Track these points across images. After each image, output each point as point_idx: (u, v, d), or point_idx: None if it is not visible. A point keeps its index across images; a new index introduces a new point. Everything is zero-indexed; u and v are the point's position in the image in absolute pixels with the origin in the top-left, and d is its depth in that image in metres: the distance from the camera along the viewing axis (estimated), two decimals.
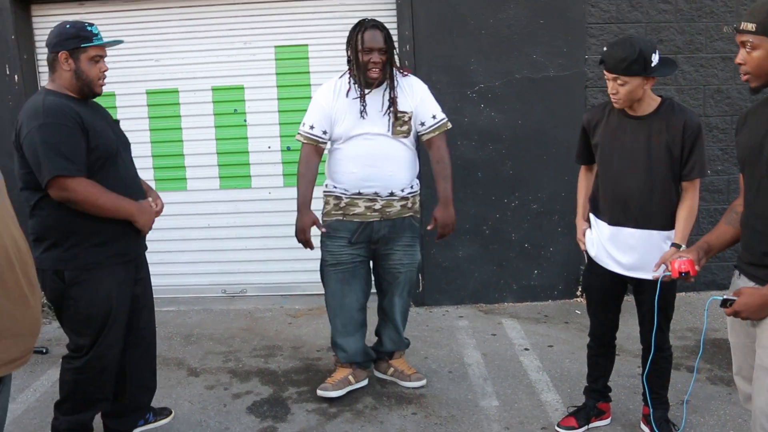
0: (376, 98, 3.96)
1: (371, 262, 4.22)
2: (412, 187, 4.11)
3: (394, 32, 5.61)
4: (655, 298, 3.14)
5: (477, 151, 5.64)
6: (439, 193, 4.11)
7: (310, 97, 4.42)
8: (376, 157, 3.95)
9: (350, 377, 4.26)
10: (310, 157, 4.06)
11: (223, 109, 6.00)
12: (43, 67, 5.97)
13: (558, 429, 3.72)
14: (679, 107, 3.28)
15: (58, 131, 3.13)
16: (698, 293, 5.72)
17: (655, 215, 3.27)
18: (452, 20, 5.53)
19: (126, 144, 3.55)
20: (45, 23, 5.92)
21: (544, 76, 5.57)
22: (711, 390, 4.14)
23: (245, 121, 5.99)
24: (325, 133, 4.03)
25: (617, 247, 3.37)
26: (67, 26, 3.27)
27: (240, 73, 5.94)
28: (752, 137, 2.55)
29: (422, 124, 4.05)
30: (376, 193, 3.99)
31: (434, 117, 4.06)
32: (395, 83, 3.98)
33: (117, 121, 3.62)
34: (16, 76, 5.73)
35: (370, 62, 3.87)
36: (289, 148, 5.89)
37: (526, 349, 4.82)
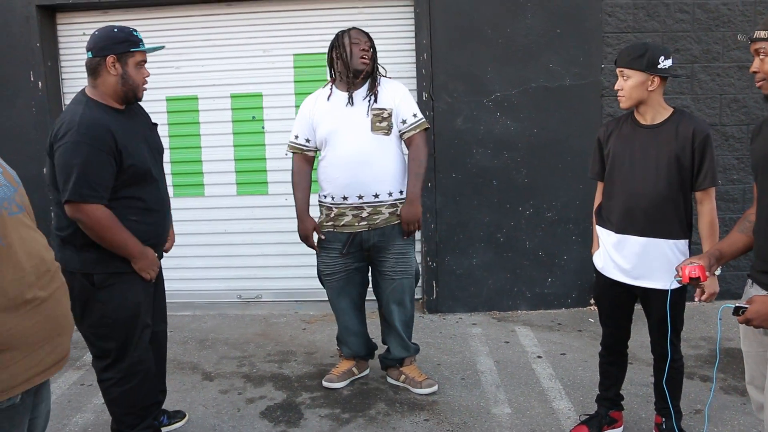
0: (358, 96, 4.06)
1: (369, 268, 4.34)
2: (401, 193, 4.14)
3: (411, 41, 5.72)
4: (667, 308, 3.15)
5: (492, 159, 5.67)
6: (407, 189, 4.12)
7: None
8: (358, 158, 4.01)
9: (354, 369, 4.53)
10: (300, 166, 4.24)
11: (242, 116, 6.06)
12: (66, 74, 6.08)
13: None
14: (689, 116, 3.30)
15: (90, 154, 3.10)
16: (712, 302, 5.67)
17: (662, 223, 3.27)
18: (469, 29, 5.57)
19: (160, 151, 3.58)
20: (69, 31, 6.03)
21: (561, 85, 5.59)
22: (725, 399, 4.13)
23: (263, 128, 6.05)
24: (308, 141, 4.19)
25: (622, 255, 3.37)
26: (115, 30, 3.25)
27: (259, 80, 6.00)
28: (766, 146, 2.57)
29: (404, 122, 4.10)
30: (361, 198, 4.04)
31: (415, 116, 4.11)
32: (377, 81, 4.09)
33: (155, 125, 3.62)
34: (39, 83, 5.82)
35: (360, 50, 3.99)
36: None
37: (539, 357, 4.83)
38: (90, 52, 3.25)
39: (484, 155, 5.67)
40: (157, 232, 3.48)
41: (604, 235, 3.48)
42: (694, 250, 3.22)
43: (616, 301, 3.52)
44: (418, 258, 5.82)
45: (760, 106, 5.63)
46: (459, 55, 5.57)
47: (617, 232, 3.38)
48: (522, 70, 5.59)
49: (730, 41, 5.57)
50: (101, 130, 3.15)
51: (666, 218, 3.27)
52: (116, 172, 3.20)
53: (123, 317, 3.33)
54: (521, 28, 5.56)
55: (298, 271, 6.06)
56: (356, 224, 4.09)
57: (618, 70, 3.27)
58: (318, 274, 4.35)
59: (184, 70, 6.00)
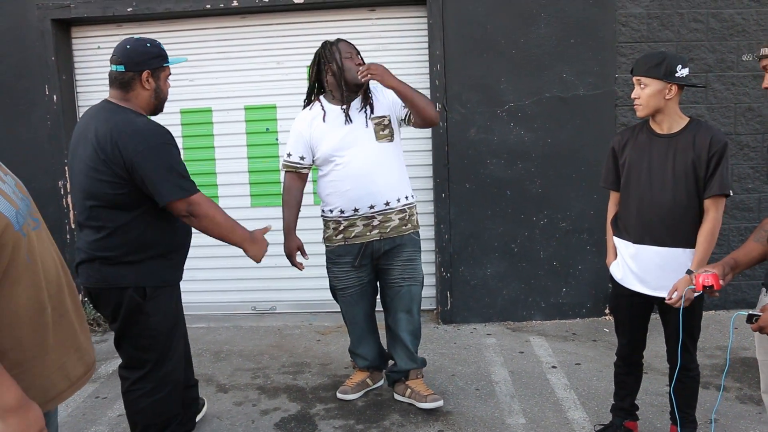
0: (354, 109, 4.04)
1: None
2: (407, 198, 4.14)
3: (425, 52, 5.73)
4: (680, 317, 3.14)
5: (506, 169, 5.67)
6: None
7: None
8: (368, 170, 3.98)
9: (368, 380, 4.53)
10: (291, 184, 4.23)
11: (256, 128, 6.10)
12: (81, 87, 6.14)
13: None
14: (706, 126, 3.28)
15: (172, 152, 3.14)
16: (728, 311, 5.67)
17: (680, 233, 3.25)
18: (483, 40, 5.58)
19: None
20: (84, 45, 6.09)
21: (574, 95, 5.59)
22: (740, 409, 4.10)
23: (277, 139, 6.08)
24: (302, 158, 4.15)
25: (641, 266, 3.35)
26: (148, 45, 3.23)
27: (272, 92, 6.04)
28: None
29: (403, 106, 4.05)
30: (372, 208, 4.02)
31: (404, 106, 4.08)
32: (369, 91, 4.09)
33: None
34: (54, 96, 5.88)
35: (356, 64, 3.98)
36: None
37: (554, 367, 4.81)
38: (122, 66, 3.19)
39: (498, 165, 5.67)
40: (189, 240, 3.52)
41: (621, 246, 3.47)
42: (718, 259, 3.19)
43: (634, 311, 3.50)
44: (432, 268, 5.84)
45: None
46: (472, 66, 5.58)
47: (635, 242, 3.36)
48: (536, 80, 5.60)
49: (745, 50, 5.55)
50: (165, 130, 3.20)
51: (683, 228, 3.25)
52: None
53: (165, 327, 3.35)
54: (535, 39, 5.56)
55: (313, 283, 6.06)
56: (367, 233, 4.08)
57: (635, 79, 3.26)
58: (331, 288, 4.35)
59: (199, 83, 6.04)
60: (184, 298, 3.88)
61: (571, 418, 4.08)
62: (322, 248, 4.29)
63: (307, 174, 4.26)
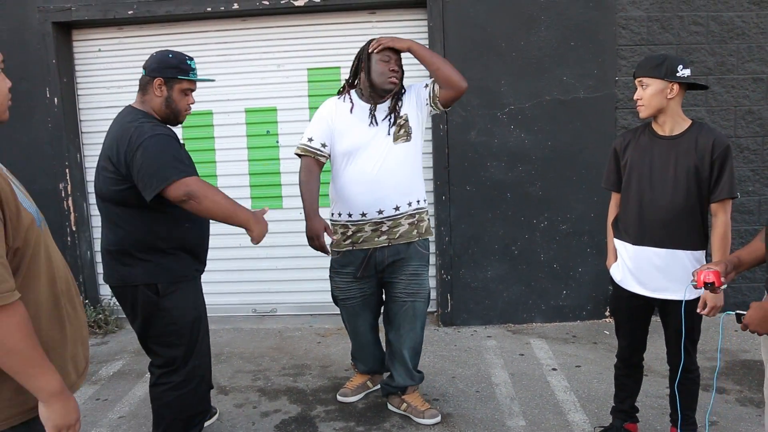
0: (380, 112, 3.97)
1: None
2: (418, 202, 4.03)
3: None
4: (681, 318, 3.14)
5: (506, 172, 5.67)
6: None
7: None
8: (380, 174, 3.88)
9: (368, 383, 4.54)
10: (310, 167, 3.97)
11: (256, 130, 6.11)
12: (82, 90, 6.15)
13: None
14: (708, 128, 3.29)
15: (168, 141, 3.20)
16: (728, 314, 5.65)
17: (680, 235, 3.27)
18: (483, 43, 5.59)
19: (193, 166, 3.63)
20: (85, 47, 6.10)
21: (574, 98, 5.59)
22: (740, 411, 4.10)
23: (277, 142, 6.09)
24: (324, 146, 3.96)
25: (641, 268, 3.36)
26: (170, 56, 3.36)
27: (273, 95, 6.05)
28: None
29: (426, 86, 4.02)
30: (381, 213, 3.92)
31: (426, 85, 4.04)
32: (400, 100, 4.00)
33: (183, 144, 3.66)
34: (55, 99, 5.89)
35: (390, 70, 3.90)
36: None
37: (554, 369, 4.81)
38: (144, 70, 3.38)
39: (498, 168, 5.67)
40: (203, 236, 3.55)
41: (621, 248, 3.47)
42: (710, 261, 3.20)
43: (634, 313, 3.51)
44: (433, 271, 5.84)
45: None
46: (473, 69, 5.58)
47: (635, 243, 3.37)
48: (536, 83, 5.60)
49: (745, 53, 5.56)
50: (170, 130, 3.33)
51: (684, 229, 3.26)
52: None
53: (188, 321, 3.39)
54: (535, 41, 5.57)
55: (313, 285, 6.07)
56: (376, 239, 3.97)
57: (637, 81, 3.28)
58: (333, 297, 4.29)
59: (199, 85, 5.95)
60: None
61: (571, 420, 4.08)
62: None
63: (323, 164, 4.02)
